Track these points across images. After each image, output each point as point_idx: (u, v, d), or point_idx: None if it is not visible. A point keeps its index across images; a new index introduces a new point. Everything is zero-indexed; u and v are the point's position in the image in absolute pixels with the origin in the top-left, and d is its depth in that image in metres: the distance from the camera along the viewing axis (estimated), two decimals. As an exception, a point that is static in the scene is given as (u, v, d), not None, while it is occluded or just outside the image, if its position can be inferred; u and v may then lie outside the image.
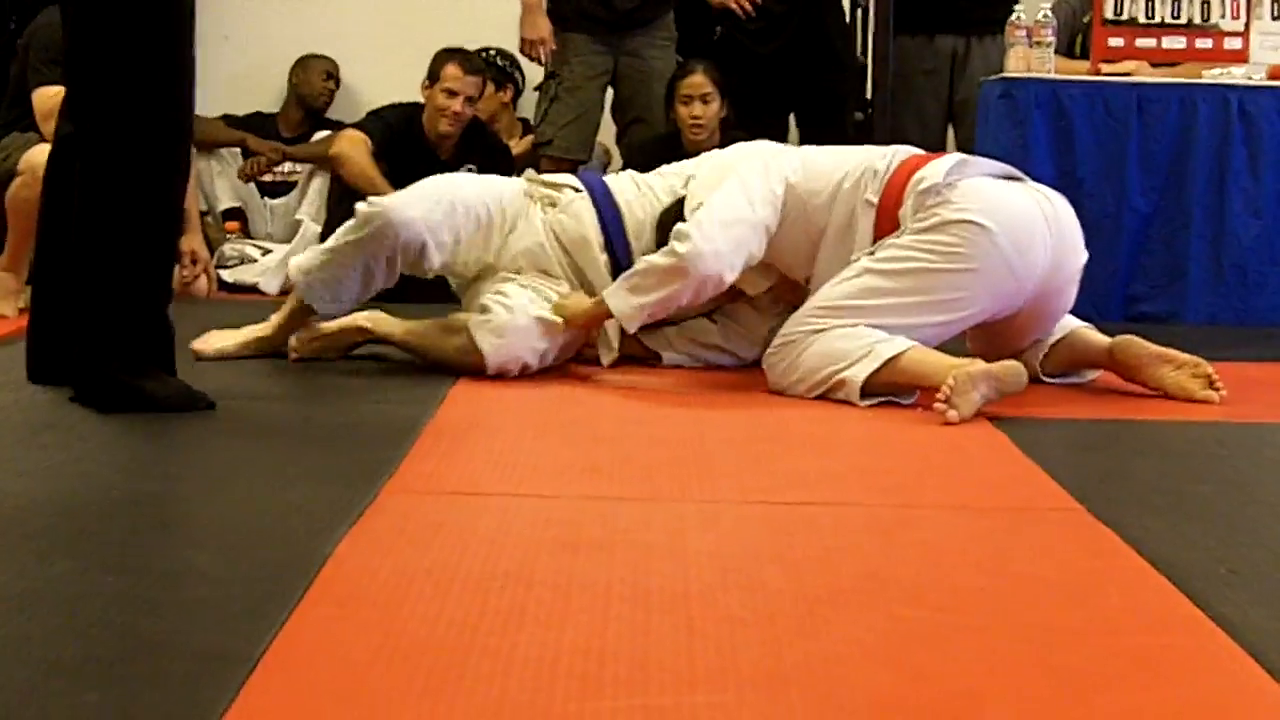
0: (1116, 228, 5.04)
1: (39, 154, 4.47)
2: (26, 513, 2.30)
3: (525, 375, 3.64)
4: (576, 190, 3.97)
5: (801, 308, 3.56)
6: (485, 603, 1.88)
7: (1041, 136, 5.02)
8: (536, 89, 5.74)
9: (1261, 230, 5.07)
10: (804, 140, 5.26)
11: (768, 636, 1.80)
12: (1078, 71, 5.26)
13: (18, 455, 2.74)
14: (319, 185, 5.79)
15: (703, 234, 3.49)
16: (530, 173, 4.23)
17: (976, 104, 5.31)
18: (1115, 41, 5.16)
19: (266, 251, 5.71)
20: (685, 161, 4.12)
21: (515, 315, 3.66)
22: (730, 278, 3.56)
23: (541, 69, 5.55)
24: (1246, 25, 5.13)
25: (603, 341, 3.86)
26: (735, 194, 3.59)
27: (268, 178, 5.97)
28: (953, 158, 3.60)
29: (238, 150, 6.00)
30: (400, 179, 5.13)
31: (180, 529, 2.39)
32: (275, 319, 3.86)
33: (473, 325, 3.66)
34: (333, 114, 6.28)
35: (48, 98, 4.59)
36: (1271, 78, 5.10)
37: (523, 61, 5.95)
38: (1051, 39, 5.08)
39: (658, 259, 3.53)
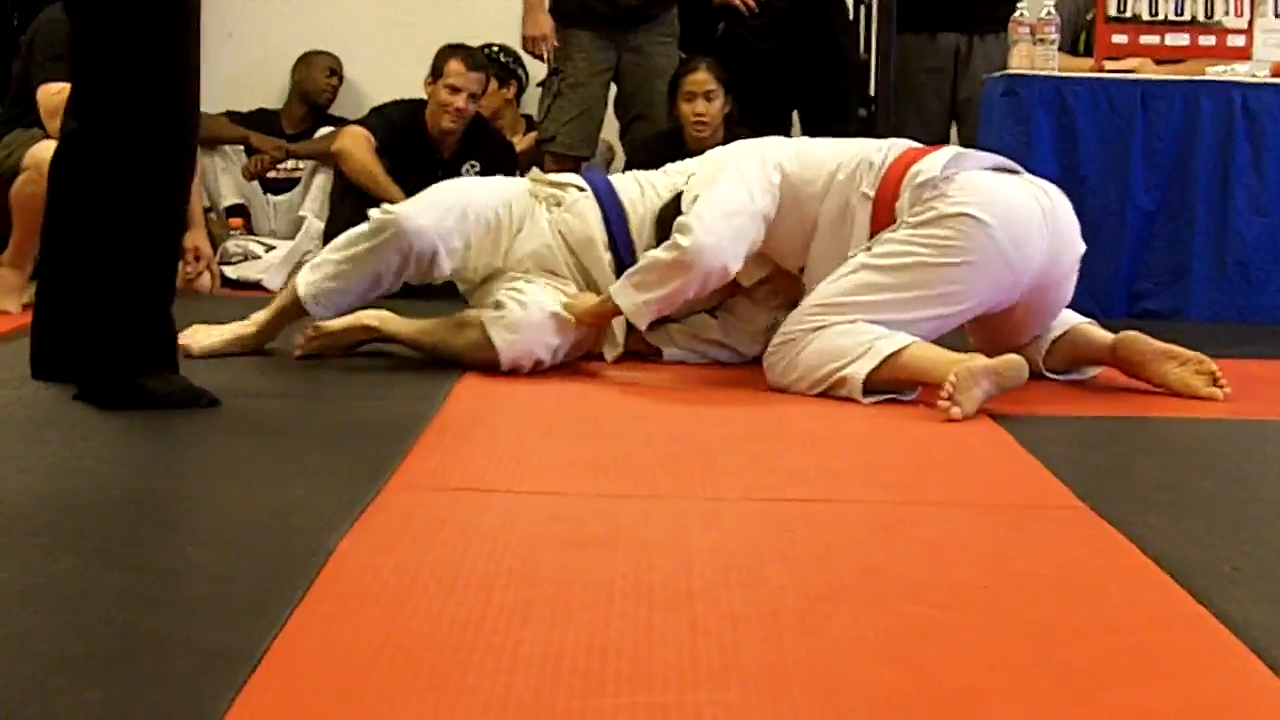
0: (1120, 225, 5.04)
1: (43, 150, 4.47)
2: (29, 509, 2.30)
3: (533, 372, 3.64)
4: (580, 190, 3.98)
5: (800, 306, 3.56)
6: (488, 600, 1.88)
7: (1045, 134, 5.02)
8: (539, 85, 5.74)
9: (1265, 227, 5.06)
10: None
11: (770, 633, 1.80)
12: (1081, 69, 5.25)
13: (20, 452, 2.74)
14: (322, 182, 5.79)
15: (704, 226, 3.50)
16: (535, 172, 4.24)
17: (980, 102, 5.31)
18: (1119, 39, 5.16)
19: (270, 248, 5.71)
20: (689, 160, 4.12)
21: (530, 311, 3.67)
22: (735, 268, 3.56)
23: (544, 65, 5.55)
24: (1250, 22, 5.13)
25: (608, 337, 3.87)
26: (734, 184, 3.60)
27: (271, 174, 5.98)
28: (949, 151, 3.60)
29: (241, 147, 6.00)
30: (403, 175, 5.17)
31: (183, 526, 2.39)
32: (260, 317, 3.86)
33: (487, 320, 3.67)
34: (336, 110, 6.29)
35: (52, 94, 4.59)
36: (1275, 75, 5.10)
37: (526, 58, 5.95)
38: (1055, 36, 5.08)
39: (661, 254, 3.54)
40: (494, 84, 5.92)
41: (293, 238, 5.73)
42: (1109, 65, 5.20)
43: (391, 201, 4.22)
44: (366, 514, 2.28)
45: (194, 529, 2.37)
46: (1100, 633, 1.85)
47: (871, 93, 5.86)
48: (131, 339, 3.06)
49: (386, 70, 6.20)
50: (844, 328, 3.40)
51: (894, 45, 5.64)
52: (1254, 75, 5.12)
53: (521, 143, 6.06)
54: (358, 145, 5.38)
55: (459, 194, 3.94)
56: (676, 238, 3.51)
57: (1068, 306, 3.73)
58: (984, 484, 2.73)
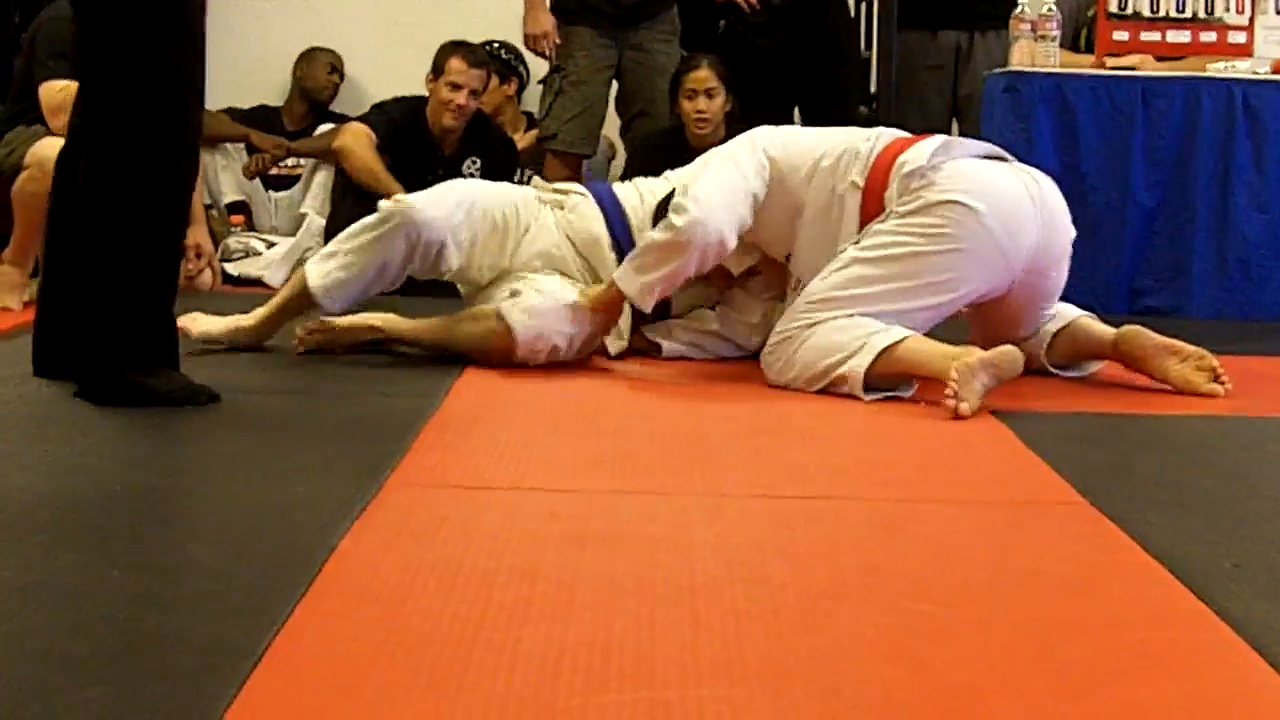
0: (1121, 222, 5.04)
1: (45, 148, 4.47)
2: (30, 507, 2.30)
3: (540, 367, 3.64)
4: (581, 195, 4.04)
5: (794, 304, 3.57)
6: (490, 597, 1.88)
7: (1046, 131, 5.02)
8: (541, 82, 5.73)
9: (1266, 224, 5.07)
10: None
11: (772, 630, 1.80)
12: (1082, 65, 5.25)
13: (21, 449, 2.74)
14: (323, 179, 5.79)
15: (698, 204, 3.53)
16: (538, 180, 4.26)
17: (981, 98, 5.31)
18: (1120, 35, 5.16)
19: (271, 244, 5.71)
20: (690, 165, 4.13)
21: (547, 298, 3.68)
22: (731, 241, 3.57)
23: (546, 62, 5.54)
24: (1251, 19, 5.13)
25: (614, 331, 3.87)
26: (725, 165, 3.65)
27: (272, 171, 5.98)
28: (936, 140, 3.60)
29: (242, 144, 6.00)
30: (404, 172, 5.17)
31: (183, 523, 2.39)
32: (261, 312, 3.85)
33: (504, 307, 3.67)
34: (337, 107, 6.29)
35: (55, 91, 4.59)
36: (1276, 71, 5.10)
37: (527, 54, 5.94)
38: (1056, 33, 5.08)
39: (658, 235, 3.57)
40: (495, 81, 5.91)
41: (294, 234, 5.73)
42: (1110, 62, 5.20)
43: (394, 197, 4.22)
44: (367, 511, 2.28)
45: (195, 526, 2.37)
46: (1101, 629, 1.85)
47: (873, 90, 5.86)
48: (132, 336, 3.06)
49: (387, 67, 6.20)
50: (840, 323, 3.41)
51: (895, 42, 5.64)
52: (1255, 72, 5.12)
53: (523, 140, 6.06)
54: (359, 142, 5.37)
55: (466, 191, 3.97)
56: (672, 217, 3.53)
57: (1069, 303, 3.74)
58: (985, 481, 2.73)
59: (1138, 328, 3.59)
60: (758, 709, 1.56)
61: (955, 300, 3.49)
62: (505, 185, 4.26)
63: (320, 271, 3.78)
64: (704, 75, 5.25)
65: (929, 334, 3.44)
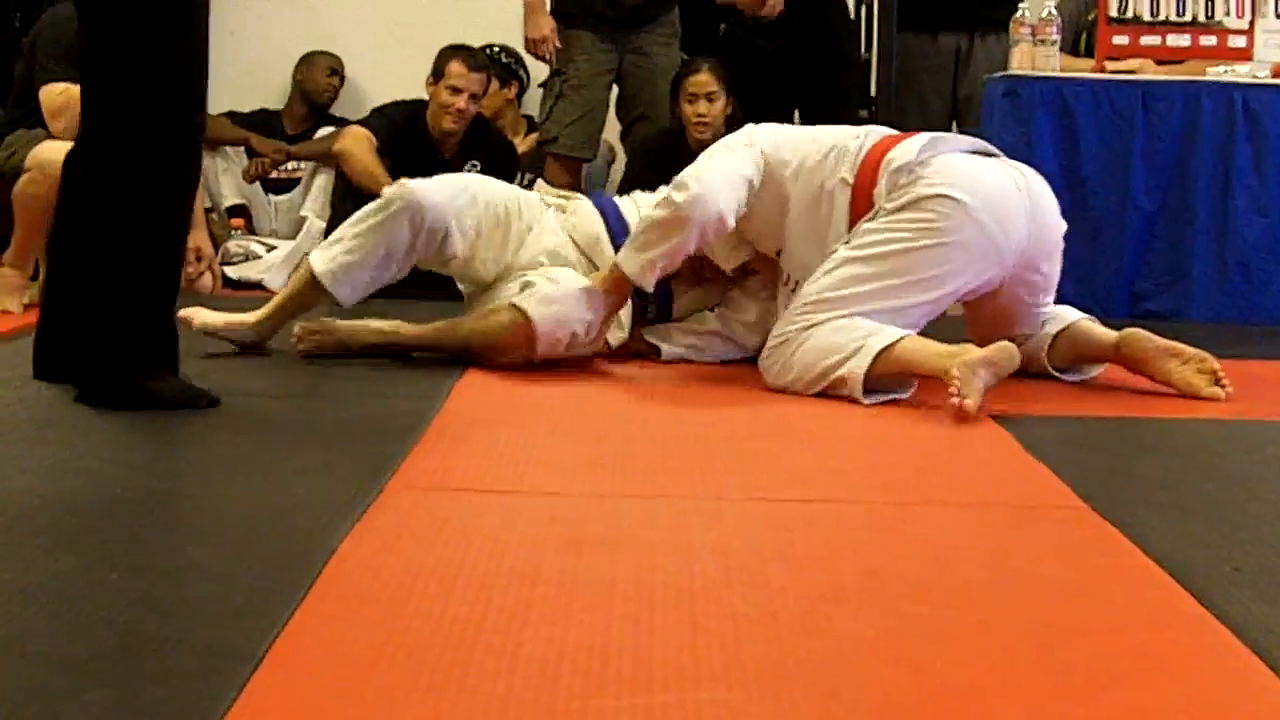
0: (1121, 225, 5.05)
1: (46, 151, 4.48)
2: (30, 510, 2.30)
3: (540, 369, 3.63)
4: (583, 202, 4.09)
5: (789, 308, 3.57)
6: (489, 600, 1.88)
7: (1046, 134, 5.02)
8: (541, 86, 5.74)
9: (1266, 228, 5.07)
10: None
11: (771, 633, 1.80)
12: (1082, 69, 5.26)
13: (22, 452, 2.74)
14: (323, 182, 5.80)
15: (699, 181, 3.55)
16: (542, 184, 4.27)
17: (981, 102, 5.32)
18: (1120, 39, 5.17)
19: (271, 248, 5.72)
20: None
21: (562, 285, 3.68)
22: (730, 220, 3.58)
23: (546, 66, 5.55)
24: (1251, 23, 5.13)
25: (614, 322, 3.87)
26: (721, 152, 3.68)
27: (272, 175, 5.98)
28: (924, 136, 3.61)
29: (242, 148, 6.01)
30: (404, 175, 5.15)
31: (184, 526, 2.39)
32: (262, 312, 3.84)
33: (519, 299, 3.66)
34: (337, 110, 6.29)
35: (55, 94, 4.60)
36: (1276, 75, 5.10)
37: (527, 58, 5.95)
38: (1056, 36, 5.09)
39: (657, 212, 3.58)
40: (495, 84, 5.92)
41: (294, 238, 5.74)
42: (1110, 66, 5.21)
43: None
44: (367, 514, 2.28)
45: (195, 529, 2.36)
46: (1101, 633, 1.85)
47: (873, 93, 5.86)
48: (133, 339, 3.06)
49: (388, 70, 6.21)
50: (837, 324, 3.41)
51: (895, 45, 5.65)
52: (1255, 76, 5.12)
53: (523, 144, 6.06)
54: (359, 146, 5.38)
55: (470, 181, 4.01)
56: (672, 194, 3.55)
57: (1069, 306, 3.74)
58: (985, 484, 2.73)
59: (1139, 330, 3.59)
60: (756, 712, 1.56)
61: (949, 294, 3.49)
62: (505, 183, 4.26)
63: (325, 257, 3.78)
64: (704, 79, 5.25)
65: (925, 334, 3.44)
